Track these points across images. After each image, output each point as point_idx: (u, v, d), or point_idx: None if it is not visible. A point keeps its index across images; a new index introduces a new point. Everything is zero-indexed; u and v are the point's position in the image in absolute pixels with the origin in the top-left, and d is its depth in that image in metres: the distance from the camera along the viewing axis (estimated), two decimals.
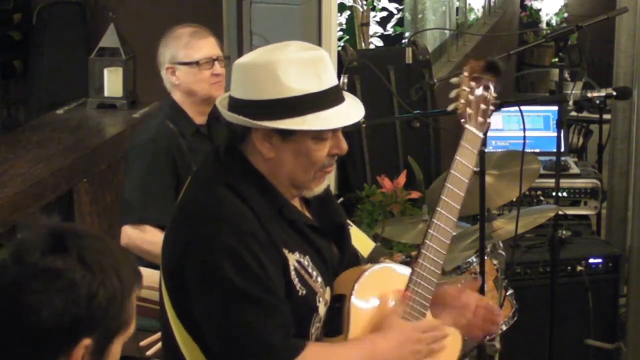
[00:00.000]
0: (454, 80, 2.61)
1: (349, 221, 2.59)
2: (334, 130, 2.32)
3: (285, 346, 2.24)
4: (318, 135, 2.29)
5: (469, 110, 2.56)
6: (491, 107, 2.60)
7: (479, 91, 2.59)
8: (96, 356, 1.63)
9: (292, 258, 2.31)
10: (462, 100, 2.57)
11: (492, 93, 2.61)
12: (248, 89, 2.28)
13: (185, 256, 2.27)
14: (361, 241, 2.57)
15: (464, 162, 2.52)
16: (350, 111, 2.33)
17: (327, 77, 2.29)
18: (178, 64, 3.56)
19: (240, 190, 2.29)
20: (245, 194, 2.29)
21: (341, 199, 2.56)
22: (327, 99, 2.28)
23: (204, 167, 2.46)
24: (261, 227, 2.27)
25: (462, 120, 2.55)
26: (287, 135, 2.27)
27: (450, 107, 2.60)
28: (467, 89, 2.57)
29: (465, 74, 2.60)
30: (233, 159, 2.34)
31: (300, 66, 2.25)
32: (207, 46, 3.57)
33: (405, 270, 2.50)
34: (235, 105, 2.30)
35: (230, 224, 2.24)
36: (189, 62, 3.54)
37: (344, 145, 2.35)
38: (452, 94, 2.59)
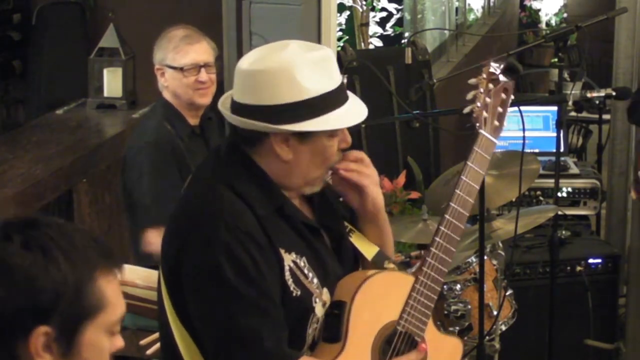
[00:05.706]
0: (471, 81, 2.54)
1: (351, 227, 2.56)
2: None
3: (277, 352, 2.23)
4: (332, 133, 2.31)
5: (484, 114, 2.49)
6: (508, 111, 2.53)
7: (497, 94, 2.51)
8: (64, 343, 1.59)
9: (288, 258, 2.30)
10: (479, 103, 2.49)
11: (510, 96, 2.55)
12: (262, 94, 2.25)
13: (184, 253, 2.27)
14: (365, 245, 2.56)
15: (475, 168, 2.47)
16: (358, 107, 2.36)
17: (336, 75, 2.31)
18: (166, 66, 3.57)
19: (239, 188, 2.29)
20: (245, 193, 2.28)
21: (341, 198, 2.56)
22: (339, 96, 2.30)
23: (205, 166, 2.45)
24: (259, 226, 2.26)
25: (477, 125, 2.48)
26: (305, 136, 2.28)
27: (467, 110, 2.53)
28: (485, 92, 2.50)
29: (484, 75, 2.53)
30: (234, 158, 2.34)
31: (313, 67, 2.26)
32: (194, 52, 3.55)
33: (409, 278, 2.45)
34: (246, 110, 2.28)
35: (228, 222, 2.23)
36: (174, 67, 3.55)
37: (349, 139, 2.38)
38: (469, 95, 2.53)
